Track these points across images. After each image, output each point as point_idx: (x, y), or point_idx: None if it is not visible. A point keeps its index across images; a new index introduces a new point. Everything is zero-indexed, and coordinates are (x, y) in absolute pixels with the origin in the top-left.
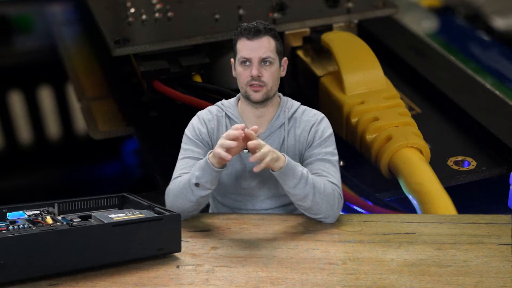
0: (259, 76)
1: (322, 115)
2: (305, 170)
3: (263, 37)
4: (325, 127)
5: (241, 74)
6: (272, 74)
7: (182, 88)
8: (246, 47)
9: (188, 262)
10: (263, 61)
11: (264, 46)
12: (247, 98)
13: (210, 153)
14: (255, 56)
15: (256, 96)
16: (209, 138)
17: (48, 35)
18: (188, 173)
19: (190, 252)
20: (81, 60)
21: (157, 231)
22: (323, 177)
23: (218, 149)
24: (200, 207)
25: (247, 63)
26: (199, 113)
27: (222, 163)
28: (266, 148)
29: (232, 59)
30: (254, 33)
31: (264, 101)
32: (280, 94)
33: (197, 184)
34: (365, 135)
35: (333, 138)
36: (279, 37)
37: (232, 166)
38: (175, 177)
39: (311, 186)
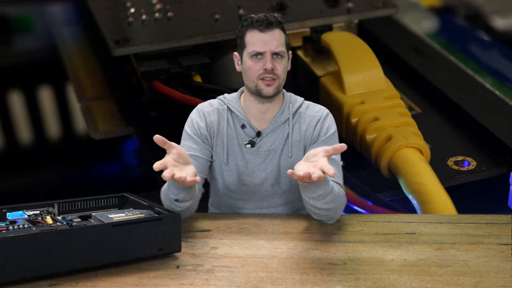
0: (273, 69)
1: (327, 110)
2: (328, 189)
3: (274, 30)
4: (330, 124)
5: (251, 67)
6: (283, 68)
7: (182, 88)
8: (258, 40)
9: (188, 262)
10: (275, 54)
11: (276, 39)
12: (258, 93)
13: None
14: (268, 49)
15: (269, 90)
16: (208, 132)
17: (48, 35)
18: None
19: (190, 252)
20: (81, 60)
21: (157, 231)
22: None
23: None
24: (192, 209)
25: (259, 56)
26: (199, 105)
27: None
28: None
29: (235, 53)
30: (266, 25)
31: (271, 96)
32: (284, 90)
33: (177, 200)
34: (365, 135)
35: (337, 136)
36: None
37: (234, 162)
38: None
39: (326, 202)
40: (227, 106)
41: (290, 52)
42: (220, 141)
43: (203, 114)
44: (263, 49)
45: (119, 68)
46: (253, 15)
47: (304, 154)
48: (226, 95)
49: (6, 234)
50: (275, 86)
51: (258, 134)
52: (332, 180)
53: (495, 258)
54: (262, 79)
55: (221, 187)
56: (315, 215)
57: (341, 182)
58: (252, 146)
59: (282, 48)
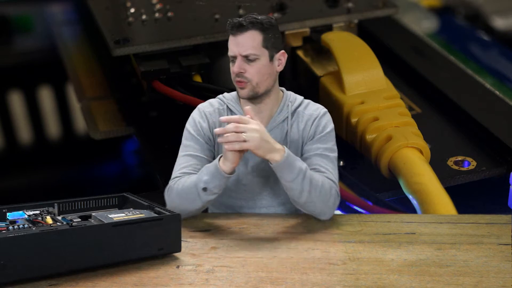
0: (241, 72)
1: (325, 109)
2: (304, 165)
3: (246, 32)
4: (327, 122)
5: (231, 70)
6: (258, 70)
7: (182, 88)
8: (231, 44)
9: (188, 262)
10: (246, 57)
11: (245, 42)
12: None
13: (220, 157)
14: (237, 52)
15: (243, 93)
16: (211, 133)
17: (48, 35)
18: (189, 174)
19: (190, 252)
20: (81, 60)
21: (157, 231)
22: (321, 173)
23: (229, 153)
24: (202, 209)
25: (233, 59)
26: (200, 106)
27: (234, 166)
28: (253, 132)
29: None
30: (237, 28)
31: (254, 98)
32: (283, 89)
33: (204, 189)
34: (365, 135)
35: (333, 134)
36: (273, 30)
37: None
38: (176, 176)
39: (308, 182)
40: (227, 106)
41: (282, 52)
42: None
43: (205, 114)
44: (233, 52)
45: (119, 68)
46: (233, 19)
47: (301, 152)
48: (225, 94)
49: (6, 234)
50: (248, 89)
51: None
52: (326, 177)
53: (495, 258)
54: (236, 82)
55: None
56: (301, 207)
57: (334, 178)
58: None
59: (252, 51)
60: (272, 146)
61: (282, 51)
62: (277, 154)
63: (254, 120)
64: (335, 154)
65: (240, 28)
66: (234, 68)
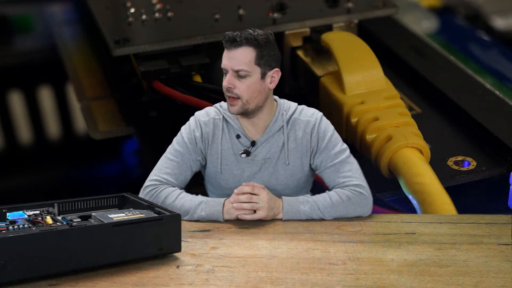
0: (230, 88)
1: (320, 114)
2: (307, 205)
3: (239, 48)
4: (325, 127)
5: (223, 83)
6: (248, 87)
7: (182, 88)
8: (224, 57)
9: (188, 262)
10: (237, 73)
11: (238, 58)
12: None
13: (225, 200)
14: (229, 66)
15: (232, 109)
16: (202, 143)
17: (48, 35)
18: (169, 184)
19: (190, 252)
20: (81, 60)
21: (157, 231)
22: (342, 184)
23: (234, 211)
24: None
25: (226, 73)
26: (197, 114)
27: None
28: (262, 210)
29: None
30: (231, 43)
31: (244, 114)
32: (277, 98)
33: (197, 220)
34: (365, 135)
35: (336, 135)
36: (269, 47)
37: (230, 171)
38: (157, 179)
39: (318, 211)
40: (223, 116)
41: (276, 70)
42: (215, 151)
43: (199, 124)
44: (225, 66)
45: (119, 68)
46: (227, 33)
47: (303, 161)
48: (222, 103)
49: (6, 234)
50: (238, 106)
51: (253, 143)
52: (352, 184)
53: (495, 258)
54: (228, 97)
55: (220, 193)
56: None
57: (357, 179)
58: (247, 155)
59: (243, 67)
60: (277, 211)
61: (277, 69)
62: (280, 213)
63: (263, 189)
64: (347, 153)
65: (234, 43)
66: (224, 82)
